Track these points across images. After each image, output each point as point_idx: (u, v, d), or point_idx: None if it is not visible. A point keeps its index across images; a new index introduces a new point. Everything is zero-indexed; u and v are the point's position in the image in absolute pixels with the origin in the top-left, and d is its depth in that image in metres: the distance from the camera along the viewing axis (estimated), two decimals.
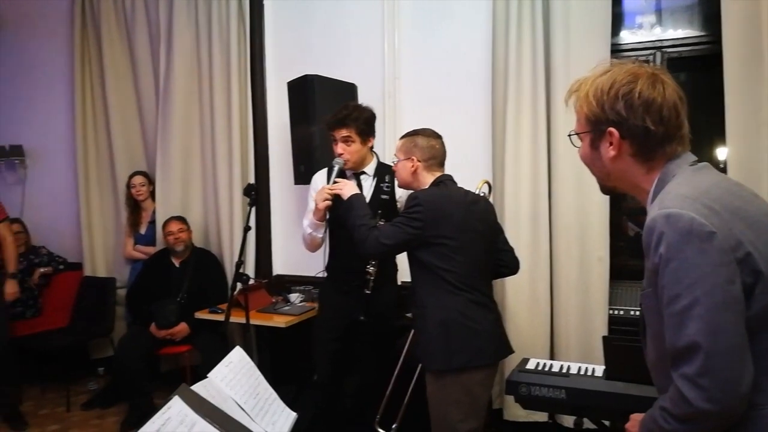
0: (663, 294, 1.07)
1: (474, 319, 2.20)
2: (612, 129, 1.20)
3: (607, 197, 3.01)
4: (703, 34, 3.08)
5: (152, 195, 4.23)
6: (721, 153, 2.91)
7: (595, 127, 1.23)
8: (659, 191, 1.17)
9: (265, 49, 3.97)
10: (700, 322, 1.02)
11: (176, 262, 3.88)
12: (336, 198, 2.66)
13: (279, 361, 3.67)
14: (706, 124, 2.90)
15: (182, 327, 3.66)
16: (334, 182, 2.59)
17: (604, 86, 1.21)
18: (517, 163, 3.14)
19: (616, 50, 3.14)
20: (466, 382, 2.19)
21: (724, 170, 2.80)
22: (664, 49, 3.15)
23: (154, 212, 4.20)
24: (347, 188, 2.50)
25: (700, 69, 3.06)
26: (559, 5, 3.06)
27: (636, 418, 1.30)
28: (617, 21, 3.20)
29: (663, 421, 1.11)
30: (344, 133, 2.70)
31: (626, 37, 3.24)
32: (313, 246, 2.83)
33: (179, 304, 3.69)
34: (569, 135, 1.33)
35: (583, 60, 3.02)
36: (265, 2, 3.94)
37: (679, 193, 1.11)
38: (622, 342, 2.17)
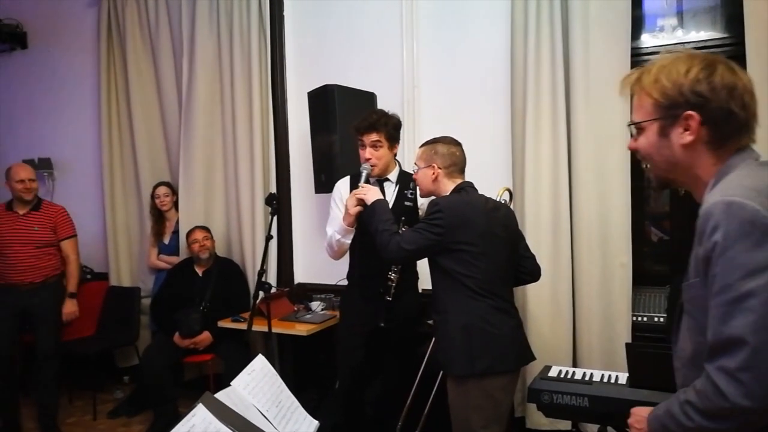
0: (714, 283, 1.03)
1: (495, 324, 2.20)
2: (692, 112, 1.14)
3: (629, 202, 2.98)
4: (726, 35, 3.04)
5: (175, 205, 4.29)
6: None
7: (667, 112, 1.17)
8: (719, 182, 1.13)
9: (286, 60, 4.01)
10: (750, 316, 0.98)
11: (199, 272, 3.93)
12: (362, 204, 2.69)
13: (301, 369, 3.69)
14: None
15: (205, 336, 3.70)
16: (360, 187, 2.62)
17: (680, 69, 1.15)
18: (537, 169, 3.13)
19: (637, 54, 3.10)
20: (488, 388, 2.18)
21: None
22: None
23: (177, 222, 4.26)
24: (371, 193, 2.54)
25: None
26: (578, 9, 3.05)
27: (639, 413, 1.27)
28: (638, 24, 3.16)
29: (684, 416, 1.07)
30: (374, 137, 2.74)
31: (647, 40, 3.21)
32: (340, 253, 2.85)
33: (202, 313, 3.73)
34: (630, 125, 1.26)
35: (603, 64, 3.01)
36: (285, 13, 3.99)
37: (743, 183, 1.07)
38: (646, 349, 2.14)
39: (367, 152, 2.75)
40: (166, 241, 4.29)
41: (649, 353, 2.04)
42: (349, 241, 2.79)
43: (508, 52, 3.25)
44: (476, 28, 3.45)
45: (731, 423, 1.02)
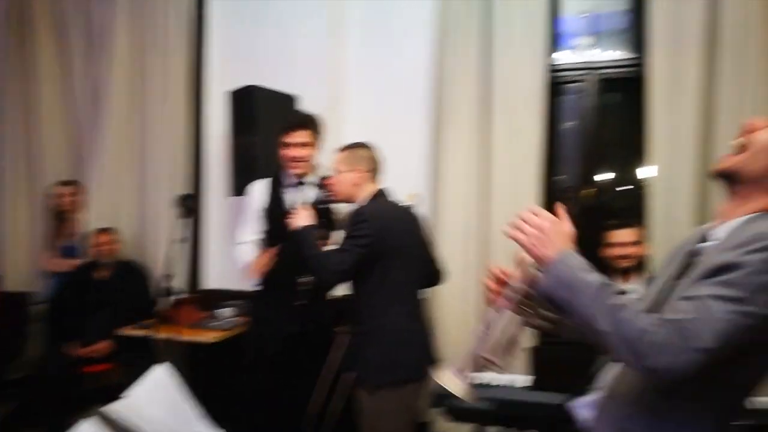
0: (723, 280, 1.03)
1: (412, 332, 2.22)
2: None
3: None
4: (635, 56, 3.21)
5: (80, 205, 4.03)
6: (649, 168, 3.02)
7: None
8: None
9: (208, 58, 3.89)
10: (724, 325, 1.00)
11: (101, 276, 3.70)
12: (274, 213, 2.64)
13: (209, 378, 3.55)
14: (637, 140, 3.03)
15: (105, 344, 3.49)
16: (303, 206, 2.49)
17: None
18: (456, 177, 3.19)
19: (554, 69, 3.23)
20: (403, 395, 2.19)
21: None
22: (598, 70, 3.27)
23: (80, 223, 4.00)
24: (299, 219, 2.40)
25: (631, 90, 3.19)
26: (501, 24, 3.14)
27: (560, 226, 1.23)
28: (556, 41, 3.30)
29: (608, 309, 1.06)
30: (303, 137, 2.72)
31: (564, 56, 3.35)
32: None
33: (103, 319, 3.51)
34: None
35: (523, 77, 3.11)
36: (208, 11, 3.87)
37: None
38: (548, 352, 2.21)
39: (295, 150, 2.71)
40: (67, 242, 4.02)
41: (551, 356, 2.10)
42: None
43: (433, 61, 3.30)
44: (402, 35, 3.47)
45: (639, 361, 1.03)
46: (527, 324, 1.31)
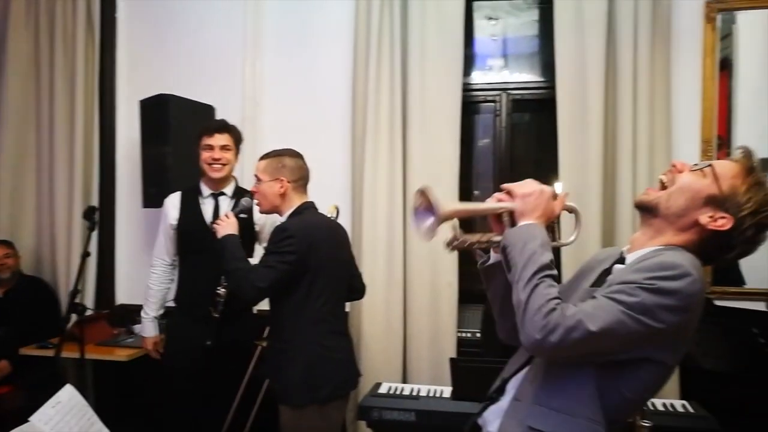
0: (618, 291, 1.15)
1: (335, 349, 2.21)
2: (726, 219, 1.23)
3: (457, 226, 3.17)
4: (542, 80, 3.40)
5: None
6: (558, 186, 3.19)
7: (716, 204, 1.25)
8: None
9: (117, 65, 3.75)
10: (608, 318, 1.11)
11: None
12: (190, 225, 2.60)
13: (123, 398, 3.40)
14: (547, 160, 3.19)
15: (2, 365, 3.26)
16: (226, 215, 2.43)
17: (763, 202, 1.24)
18: (375, 192, 3.22)
19: (468, 89, 3.35)
20: (325, 411, 2.18)
21: None
22: (509, 91, 3.42)
23: None
24: (224, 227, 2.34)
25: (541, 110, 3.37)
26: (416, 42, 3.22)
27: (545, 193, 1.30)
28: (470, 62, 3.43)
29: (529, 275, 1.17)
30: (225, 140, 2.70)
31: (477, 77, 3.48)
32: None
33: (0, 338, 3.27)
34: (697, 166, 1.30)
35: (438, 95, 3.20)
36: (118, 16, 3.74)
37: (695, 262, 1.22)
38: (468, 363, 2.29)
39: (217, 152, 2.67)
40: None
41: (470, 367, 2.18)
42: None
43: (351, 74, 3.33)
44: (320, 49, 3.49)
45: (521, 319, 1.15)
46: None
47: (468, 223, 1.42)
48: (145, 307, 2.85)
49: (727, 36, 3.10)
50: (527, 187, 1.30)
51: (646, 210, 1.32)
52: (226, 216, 2.39)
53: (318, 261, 2.17)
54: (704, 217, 1.24)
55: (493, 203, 1.33)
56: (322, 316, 2.19)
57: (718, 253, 1.28)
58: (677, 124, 3.05)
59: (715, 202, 1.24)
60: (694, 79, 3.07)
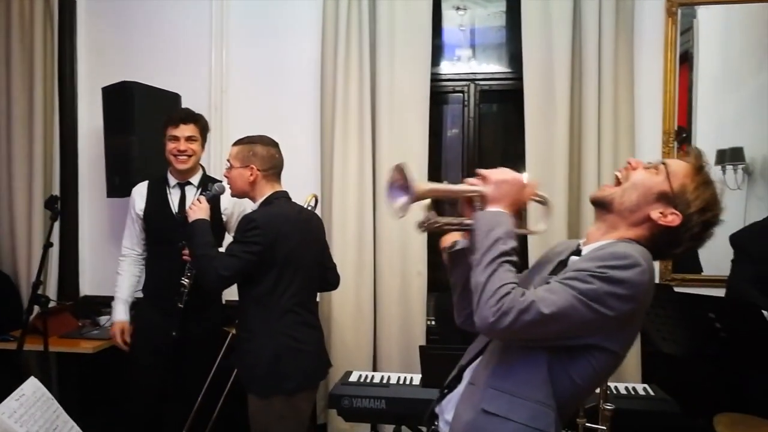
0: (571, 278, 1.19)
1: (303, 341, 2.20)
2: (675, 216, 1.28)
3: None
4: (509, 70, 3.44)
5: None
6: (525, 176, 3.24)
7: (667, 200, 1.30)
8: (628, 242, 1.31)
9: (77, 51, 3.64)
10: (563, 302, 1.16)
11: None
12: (158, 214, 2.58)
13: (88, 391, 3.34)
14: (514, 150, 3.23)
15: None
16: (198, 200, 2.39)
17: (710, 201, 1.30)
18: (344, 182, 3.22)
19: (436, 79, 3.37)
20: (293, 401, 2.18)
21: None
22: (477, 82, 3.45)
23: None
24: (196, 211, 2.31)
25: (508, 101, 3.41)
26: (385, 33, 3.21)
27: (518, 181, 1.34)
28: (438, 52, 3.44)
29: (492, 258, 1.20)
30: (190, 131, 2.65)
31: (446, 67, 3.50)
32: None
33: None
34: (651, 164, 1.36)
35: (406, 86, 3.21)
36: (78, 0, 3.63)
37: (644, 252, 1.26)
38: (437, 351, 2.31)
39: (183, 144, 2.63)
40: None
41: (439, 354, 2.20)
42: None
43: (319, 63, 3.31)
44: (288, 37, 3.45)
45: (478, 307, 1.18)
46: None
47: (438, 209, 1.44)
48: (116, 292, 2.79)
49: (687, 30, 3.19)
50: (501, 174, 1.32)
51: (601, 206, 1.37)
52: (198, 201, 2.37)
53: (286, 253, 2.17)
54: (655, 213, 1.29)
55: (466, 186, 1.35)
56: (290, 308, 2.18)
57: (667, 248, 1.33)
58: (640, 116, 3.14)
59: (666, 198, 1.30)
60: (656, 72, 3.15)
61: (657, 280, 3.04)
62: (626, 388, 2.47)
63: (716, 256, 2.77)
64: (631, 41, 3.11)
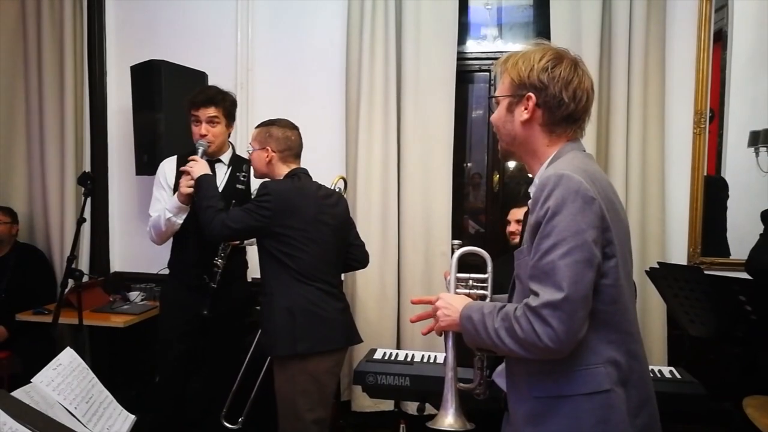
0: (541, 243, 1.19)
1: (321, 306, 2.25)
2: (531, 94, 1.31)
3: (450, 197, 3.20)
4: None
5: None
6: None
7: (516, 91, 1.34)
8: (552, 162, 1.31)
9: (106, 29, 3.68)
10: (567, 271, 1.15)
11: None
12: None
13: (118, 364, 3.43)
14: None
15: (1, 330, 3.28)
16: (194, 159, 2.49)
17: (536, 57, 1.33)
18: (369, 162, 3.23)
19: (462, 58, 3.33)
20: (313, 371, 2.22)
21: None
22: None
23: None
24: (197, 167, 2.45)
25: None
26: (411, 12, 3.19)
27: (450, 300, 1.41)
28: (464, 30, 3.40)
29: (495, 334, 1.23)
30: (211, 112, 2.63)
31: (472, 46, 3.46)
32: (167, 235, 2.67)
33: None
34: (490, 97, 1.43)
35: (432, 66, 3.19)
36: None
37: (573, 164, 1.26)
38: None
39: (203, 128, 2.62)
40: None
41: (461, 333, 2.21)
42: (181, 221, 2.61)
43: (345, 43, 3.31)
44: (314, 17, 3.45)
45: (535, 354, 1.19)
46: None
47: (474, 266, 1.51)
48: (165, 210, 2.61)
49: (722, 8, 3.10)
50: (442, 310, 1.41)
51: (508, 157, 1.50)
52: (194, 159, 2.48)
53: (298, 223, 2.22)
54: (521, 115, 1.34)
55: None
56: (310, 278, 2.23)
57: (560, 117, 1.33)
58: (671, 96, 3.07)
59: (515, 98, 1.35)
60: (689, 50, 3.08)
61: (685, 263, 3.06)
62: (652, 371, 2.45)
63: (745, 240, 2.73)
64: (663, 18, 3.04)
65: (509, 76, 1.36)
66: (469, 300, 1.39)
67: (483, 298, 1.45)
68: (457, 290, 1.48)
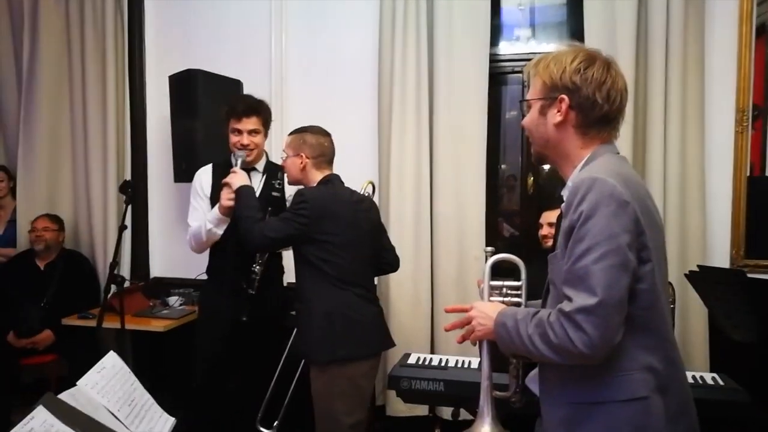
0: (575, 248, 1.18)
1: (357, 311, 2.26)
2: (564, 96, 1.31)
3: (483, 200, 3.18)
4: None
5: (13, 192, 3.86)
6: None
7: (549, 93, 1.34)
8: (586, 166, 1.30)
9: (145, 40, 3.79)
10: (601, 275, 1.14)
11: (41, 265, 3.58)
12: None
13: (158, 367, 3.51)
14: None
15: (46, 335, 3.39)
16: (233, 170, 2.53)
17: (567, 59, 1.32)
18: (401, 166, 3.23)
19: (495, 60, 3.31)
20: (351, 375, 2.23)
21: None
22: None
23: (14, 211, 3.84)
24: (236, 179, 2.49)
25: None
26: (443, 14, 3.19)
27: (483, 308, 1.41)
28: (496, 32, 3.38)
29: (529, 341, 1.22)
30: (253, 123, 2.65)
31: (504, 47, 3.43)
32: (207, 245, 2.71)
33: (43, 309, 3.42)
34: (521, 101, 1.41)
35: (464, 68, 3.17)
36: None
37: (606, 167, 1.25)
38: None
39: (246, 138, 2.64)
40: (1, 231, 3.86)
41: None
42: (221, 232, 2.63)
43: (377, 48, 3.32)
44: (346, 24, 3.48)
45: (569, 360, 1.18)
46: None
47: (509, 270, 1.51)
48: (206, 222, 2.63)
49: (764, 1, 3.00)
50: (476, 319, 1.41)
51: (542, 161, 1.45)
52: (234, 171, 2.52)
53: (334, 228, 2.25)
54: (553, 117, 1.33)
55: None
56: (346, 283, 2.25)
57: (594, 119, 1.32)
58: (711, 93, 2.99)
59: (548, 100, 1.34)
60: (730, 46, 2.99)
61: (728, 265, 2.96)
62: (693, 377, 2.39)
63: None
64: (703, 13, 2.96)
65: (541, 78, 1.35)
66: (503, 306, 1.39)
67: (517, 305, 1.44)
68: (491, 298, 1.47)
